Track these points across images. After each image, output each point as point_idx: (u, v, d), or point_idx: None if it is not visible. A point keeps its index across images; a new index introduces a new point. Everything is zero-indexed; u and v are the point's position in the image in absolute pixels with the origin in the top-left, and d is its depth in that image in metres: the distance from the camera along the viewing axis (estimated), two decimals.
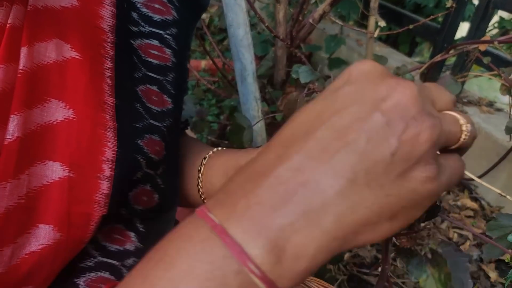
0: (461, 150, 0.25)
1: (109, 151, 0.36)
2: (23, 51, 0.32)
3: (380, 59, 1.06)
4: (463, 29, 1.58)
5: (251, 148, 0.50)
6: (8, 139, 0.31)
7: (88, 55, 0.36)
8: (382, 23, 0.88)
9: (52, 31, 0.34)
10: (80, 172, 0.35)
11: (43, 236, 0.33)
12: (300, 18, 0.86)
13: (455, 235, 1.22)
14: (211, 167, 0.50)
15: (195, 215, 0.21)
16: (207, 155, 0.51)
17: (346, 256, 1.06)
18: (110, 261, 0.40)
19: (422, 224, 0.35)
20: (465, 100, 1.49)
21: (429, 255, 0.33)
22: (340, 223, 0.19)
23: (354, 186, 0.19)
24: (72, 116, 0.34)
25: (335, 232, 0.19)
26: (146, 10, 0.42)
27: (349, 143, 0.20)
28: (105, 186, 0.36)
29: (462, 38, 1.54)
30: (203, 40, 1.67)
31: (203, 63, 1.69)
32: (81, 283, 0.38)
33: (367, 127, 0.20)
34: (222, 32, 1.98)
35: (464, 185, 1.40)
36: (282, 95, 0.82)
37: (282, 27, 0.93)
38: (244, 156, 0.48)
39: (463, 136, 0.24)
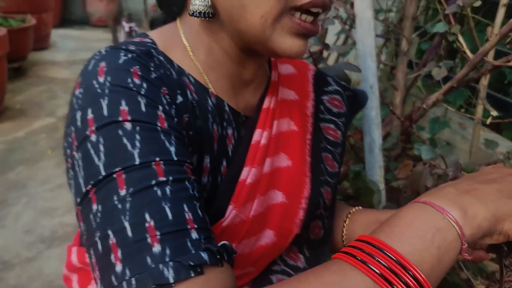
0: None
1: (306, 191, 0.55)
2: (275, 123, 0.54)
3: (491, 144, 1.14)
4: None
5: (386, 210, 0.66)
6: (265, 172, 0.52)
7: (301, 129, 0.57)
8: (494, 113, 0.98)
9: (286, 112, 0.57)
10: (291, 201, 0.54)
11: (268, 236, 0.53)
12: (419, 104, 1.01)
13: None
14: (355, 220, 0.66)
15: (412, 205, 0.39)
16: (351, 211, 0.68)
17: None
18: (288, 270, 0.58)
19: None
20: None
21: None
22: (496, 208, 0.37)
23: (502, 195, 0.39)
24: (290, 165, 0.55)
25: (493, 211, 0.37)
26: (329, 104, 0.64)
27: (494, 182, 0.40)
28: (301, 214, 0.55)
29: None
30: None
31: None
32: (274, 279, 0.55)
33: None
34: None
35: None
36: (398, 166, 0.95)
37: (398, 109, 1.09)
38: (382, 214, 0.63)
39: None
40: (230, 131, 0.51)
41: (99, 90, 0.41)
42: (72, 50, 4.52)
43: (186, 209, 0.37)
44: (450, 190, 0.38)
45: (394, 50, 1.76)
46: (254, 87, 0.55)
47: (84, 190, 0.39)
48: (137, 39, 0.49)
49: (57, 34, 4.96)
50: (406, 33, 1.08)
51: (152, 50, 0.47)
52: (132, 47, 0.45)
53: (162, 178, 0.37)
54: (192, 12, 0.46)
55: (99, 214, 0.37)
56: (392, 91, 1.10)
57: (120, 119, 0.39)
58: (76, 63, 4.02)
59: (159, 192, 0.36)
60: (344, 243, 0.66)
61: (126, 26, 1.29)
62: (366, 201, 0.76)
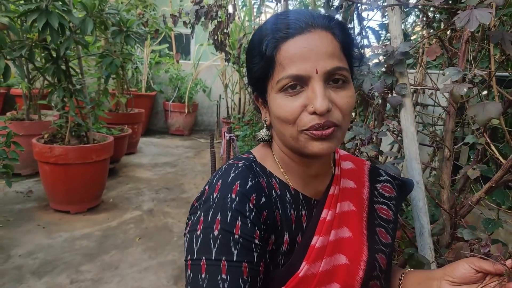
0: None
1: (364, 256, 0.77)
2: (338, 205, 0.78)
3: None
4: None
5: (435, 269, 0.84)
6: (330, 240, 0.75)
7: (358, 209, 0.81)
8: None
9: (346, 197, 0.81)
10: (352, 263, 0.76)
11: None
12: (462, 199, 1.21)
13: None
14: (408, 279, 0.85)
15: None
16: (404, 272, 0.86)
17: None
18: None
19: None
20: None
21: None
22: None
23: None
24: (351, 236, 0.78)
25: None
26: (381, 190, 0.87)
27: None
28: (361, 274, 0.76)
29: None
30: None
31: None
32: None
33: None
34: None
35: None
36: (448, 250, 1.12)
37: (445, 205, 1.29)
38: (431, 273, 0.81)
39: None
40: (303, 212, 0.76)
41: (211, 203, 0.67)
42: (154, 154, 5.20)
43: None
44: None
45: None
46: (321, 179, 0.81)
47: (185, 257, 0.68)
48: (244, 155, 0.78)
49: (142, 141, 5.77)
50: (447, 143, 1.33)
51: (253, 163, 0.75)
52: (240, 163, 0.73)
53: (224, 276, 0.62)
54: (258, 139, 0.79)
55: (190, 278, 0.64)
56: (440, 189, 1.32)
57: (214, 226, 0.64)
58: (157, 166, 4.62)
59: (220, 285, 0.62)
60: None
61: (227, 135, 1.69)
62: None
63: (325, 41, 0.66)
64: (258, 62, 0.70)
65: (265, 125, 0.78)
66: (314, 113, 0.65)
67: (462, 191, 1.49)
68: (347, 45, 0.71)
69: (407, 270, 0.87)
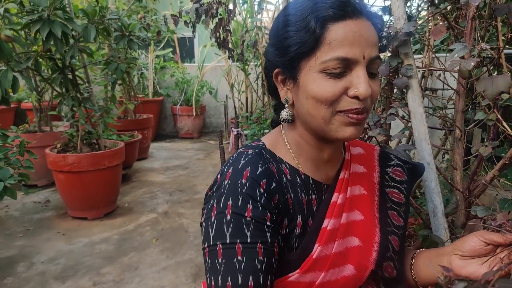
0: None
1: (377, 238, 0.77)
2: (349, 189, 0.78)
3: None
4: None
5: (445, 247, 0.84)
6: (342, 222, 0.75)
7: (370, 193, 0.81)
8: None
9: (357, 181, 0.81)
10: (365, 245, 0.76)
11: (349, 269, 0.74)
12: (475, 178, 1.20)
13: None
14: (420, 258, 0.86)
15: None
16: (416, 252, 0.87)
17: None
18: None
19: None
20: None
21: None
22: None
23: None
24: (363, 219, 0.78)
25: None
26: (392, 174, 0.87)
27: None
28: (374, 255, 0.76)
29: None
30: None
31: None
32: None
33: None
34: None
35: None
36: (464, 230, 1.12)
37: (459, 185, 1.28)
38: (441, 249, 0.81)
39: None
40: (313, 196, 0.76)
41: (222, 189, 0.68)
42: (165, 158, 5.24)
43: (250, 279, 0.63)
44: None
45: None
46: (332, 164, 0.80)
47: (202, 245, 0.69)
48: (254, 143, 0.78)
49: (153, 146, 5.82)
50: (458, 124, 1.32)
51: (263, 150, 0.75)
52: (250, 151, 0.74)
53: (240, 258, 0.64)
54: (281, 119, 0.77)
55: (208, 264, 0.66)
56: (453, 170, 1.31)
57: (226, 211, 0.66)
58: (169, 169, 4.66)
59: (237, 267, 0.63)
60: (413, 277, 0.85)
61: (234, 131, 1.71)
62: None
63: (371, 29, 0.68)
64: (301, 38, 0.66)
65: (286, 105, 0.76)
66: (355, 97, 0.66)
67: (476, 173, 1.48)
68: (380, 38, 0.73)
69: (419, 251, 0.87)
